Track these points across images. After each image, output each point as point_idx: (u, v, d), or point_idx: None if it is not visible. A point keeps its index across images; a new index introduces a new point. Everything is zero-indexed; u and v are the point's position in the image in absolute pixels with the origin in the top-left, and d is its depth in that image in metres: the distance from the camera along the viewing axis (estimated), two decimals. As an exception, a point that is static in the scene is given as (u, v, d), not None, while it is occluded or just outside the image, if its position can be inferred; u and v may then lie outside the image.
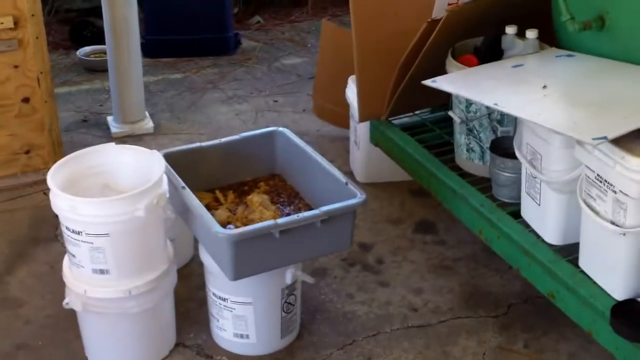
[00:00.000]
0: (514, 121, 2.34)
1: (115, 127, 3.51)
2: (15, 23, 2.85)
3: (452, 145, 2.61)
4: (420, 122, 2.83)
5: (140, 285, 2.09)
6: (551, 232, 2.09)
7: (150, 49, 4.25)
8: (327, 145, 3.40)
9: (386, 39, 2.60)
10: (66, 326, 2.34)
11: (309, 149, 2.33)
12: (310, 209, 2.27)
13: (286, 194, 2.37)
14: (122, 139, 3.37)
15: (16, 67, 2.92)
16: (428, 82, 2.12)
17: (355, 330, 2.37)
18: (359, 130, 3.00)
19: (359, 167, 3.12)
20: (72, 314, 2.22)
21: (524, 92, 2.01)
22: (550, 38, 2.32)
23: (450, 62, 2.36)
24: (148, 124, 3.54)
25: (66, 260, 2.16)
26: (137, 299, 2.10)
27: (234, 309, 2.18)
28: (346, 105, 3.14)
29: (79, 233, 2.01)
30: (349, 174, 3.06)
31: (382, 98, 2.67)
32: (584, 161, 1.86)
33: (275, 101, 3.86)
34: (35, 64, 2.93)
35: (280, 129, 2.46)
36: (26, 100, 2.98)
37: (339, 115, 3.38)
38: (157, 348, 2.25)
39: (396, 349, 2.29)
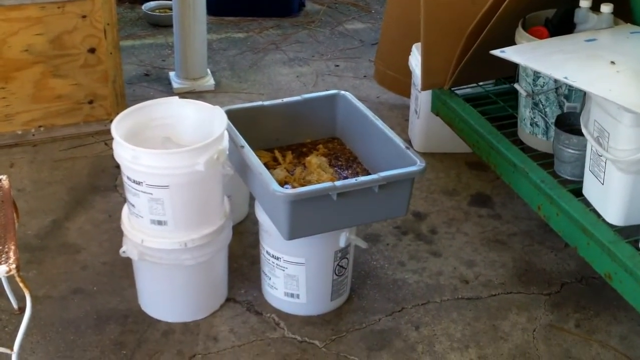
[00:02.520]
0: (582, 97, 2.29)
1: (176, 83, 3.54)
2: (86, -27, 2.89)
3: (515, 118, 2.56)
4: (484, 93, 2.79)
5: (196, 238, 2.11)
6: (613, 212, 2.04)
7: (215, 7, 4.26)
8: (386, 113, 3.38)
9: (454, 7, 2.55)
10: (121, 274, 2.39)
11: (370, 114, 2.32)
12: (368, 173, 2.26)
13: (344, 158, 2.37)
14: (183, 95, 3.39)
15: (84, 17, 2.95)
16: (496, 52, 2.09)
17: (405, 298, 2.37)
18: (420, 99, 2.97)
19: (418, 136, 3.09)
20: (127, 262, 2.27)
21: (595, 67, 1.96)
22: (626, 13, 2.26)
23: (520, 33, 2.31)
24: (209, 82, 3.56)
25: (125, 210, 2.20)
26: (192, 252, 2.13)
27: (287, 268, 2.20)
28: (408, 73, 3.11)
29: (139, 183, 2.04)
30: (407, 143, 3.03)
31: (446, 67, 2.63)
32: (654, 141, 1.82)
33: (337, 65, 3.84)
34: (103, 14, 2.96)
35: (342, 92, 2.45)
36: (92, 50, 3.02)
37: (400, 83, 3.36)
38: (209, 301, 2.28)
39: (445, 319, 2.29)
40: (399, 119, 3.34)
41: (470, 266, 2.51)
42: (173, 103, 2.23)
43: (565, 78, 1.88)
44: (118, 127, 2.08)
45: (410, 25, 3.11)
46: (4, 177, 2.10)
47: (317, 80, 3.69)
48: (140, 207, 2.08)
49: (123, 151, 2.04)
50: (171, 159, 2.01)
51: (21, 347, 1.92)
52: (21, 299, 2.18)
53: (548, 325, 2.28)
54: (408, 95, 3.24)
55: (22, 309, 2.22)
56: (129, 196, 2.11)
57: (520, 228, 2.68)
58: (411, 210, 2.74)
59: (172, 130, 2.23)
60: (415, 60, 2.95)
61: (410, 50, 3.04)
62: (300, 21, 4.34)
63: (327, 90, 2.75)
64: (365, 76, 3.72)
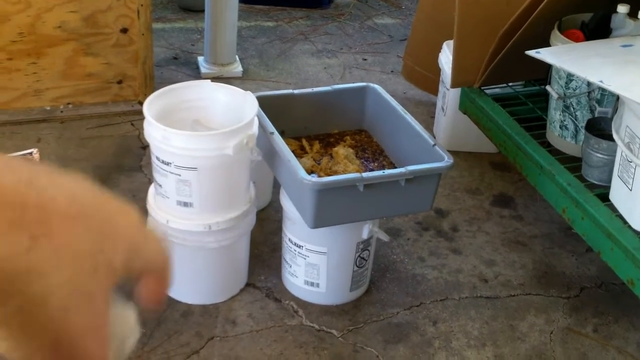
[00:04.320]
0: (614, 102, 2.28)
1: (205, 68, 3.55)
2: (122, -47, 2.90)
3: (543, 120, 2.56)
4: (513, 94, 2.79)
5: (221, 222, 2.12)
6: (640, 218, 2.04)
7: (246, -6, 4.27)
8: (412, 109, 3.36)
9: (489, 6, 2.55)
10: (143, 253, 2.41)
11: (399, 108, 2.32)
12: (394, 167, 2.26)
13: (371, 151, 2.37)
14: (211, 80, 3.40)
15: (118, -3, 2.97)
16: (532, 53, 2.08)
17: (423, 293, 2.37)
18: (448, 97, 2.97)
19: (443, 133, 3.09)
20: (150, 242, 2.28)
21: (631, 72, 1.95)
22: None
23: (555, 35, 2.31)
24: (237, 68, 3.57)
25: (152, 190, 2.21)
26: (216, 235, 2.14)
27: (308, 256, 2.21)
28: (436, 71, 3.10)
29: (168, 164, 2.05)
30: (432, 139, 3.04)
31: (477, 65, 2.63)
32: (686, 150, 1.81)
33: (365, 59, 3.84)
34: (137, -5, 2.98)
35: (372, 84, 2.45)
36: (124, 30, 3.04)
37: (428, 80, 3.35)
38: (229, 285, 2.29)
39: (463, 316, 2.29)
40: (425, 115, 3.34)
41: (490, 265, 2.51)
42: (205, 86, 2.24)
43: (601, 82, 1.88)
44: (150, 107, 2.09)
45: (441, 23, 3.11)
46: (34, 150, 2.12)
47: (344, 72, 3.69)
48: (168, 188, 2.10)
49: (154, 131, 2.05)
50: (201, 141, 2.03)
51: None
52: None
53: (566, 328, 2.28)
54: (435, 92, 3.23)
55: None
56: (156, 176, 2.13)
57: (542, 231, 2.68)
58: (433, 207, 2.73)
59: (203, 113, 2.24)
60: (445, 58, 2.95)
61: (440, 48, 3.03)
62: (330, 13, 4.34)
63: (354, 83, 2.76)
64: (392, 71, 3.72)
